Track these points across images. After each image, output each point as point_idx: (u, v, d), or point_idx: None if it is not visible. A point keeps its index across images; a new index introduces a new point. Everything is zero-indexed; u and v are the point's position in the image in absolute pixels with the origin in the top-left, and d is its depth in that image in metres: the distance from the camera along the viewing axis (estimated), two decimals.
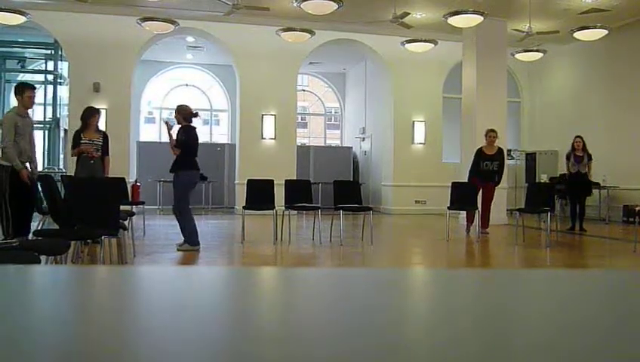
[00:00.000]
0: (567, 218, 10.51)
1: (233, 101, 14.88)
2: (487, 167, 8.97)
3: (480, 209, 8.64)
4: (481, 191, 8.84)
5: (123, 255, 5.28)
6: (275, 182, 8.07)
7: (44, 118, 14.45)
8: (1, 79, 14.69)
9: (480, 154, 9.05)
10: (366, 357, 0.47)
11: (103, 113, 11.60)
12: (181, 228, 6.69)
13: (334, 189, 8.26)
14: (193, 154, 6.70)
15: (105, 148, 7.10)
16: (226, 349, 0.49)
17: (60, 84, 14.43)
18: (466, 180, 9.24)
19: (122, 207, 6.46)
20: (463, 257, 7.44)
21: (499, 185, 9.27)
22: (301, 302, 0.71)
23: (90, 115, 7.08)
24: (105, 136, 7.22)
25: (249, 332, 0.55)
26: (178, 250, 6.66)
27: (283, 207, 7.93)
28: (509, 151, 12.92)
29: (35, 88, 6.55)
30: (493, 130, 9.08)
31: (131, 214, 6.74)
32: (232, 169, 14.06)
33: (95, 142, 6.97)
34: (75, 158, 7.07)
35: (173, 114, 6.97)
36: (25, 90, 6.23)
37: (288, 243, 7.80)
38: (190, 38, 13.74)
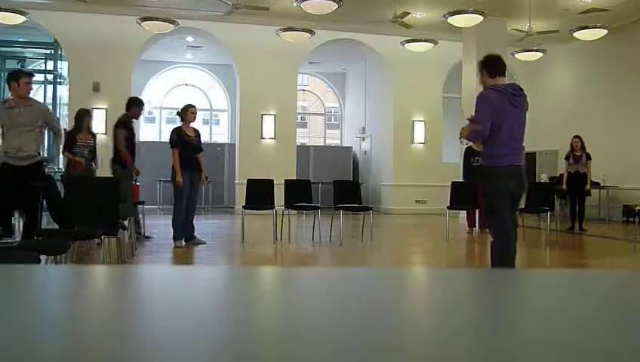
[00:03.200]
0: (567, 218, 10.51)
1: (233, 101, 14.88)
2: (478, 162, 9.00)
3: (480, 208, 8.64)
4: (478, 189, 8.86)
5: (123, 254, 5.29)
6: (274, 181, 8.06)
7: None
8: (0, 79, 14.67)
9: (470, 151, 9.09)
10: (366, 356, 0.47)
11: (102, 113, 11.68)
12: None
13: (334, 189, 8.25)
14: None
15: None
16: (225, 349, 0.49)
17: (60, 83, 14.41)
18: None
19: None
20: (462, 257, 7.44)
21: None
22: (301, 302, 0.71)
23: (84, 117, 7.30)
24: (94, 136, 7.50)
25: (249, 332, 0.55)
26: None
27: (283, 207, 7.93)
28: None
29: (32, 75, 5.80)
30: None
31: (132, 213, 6.73)
32: (231, 169, 14.05)
33: (88, 143, 7.22)
34: (66, 158, 7.35)
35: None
36: (21, 77, 5.39)
37: (288, 243, 7.79)
38: (190, 38, 13.74)
